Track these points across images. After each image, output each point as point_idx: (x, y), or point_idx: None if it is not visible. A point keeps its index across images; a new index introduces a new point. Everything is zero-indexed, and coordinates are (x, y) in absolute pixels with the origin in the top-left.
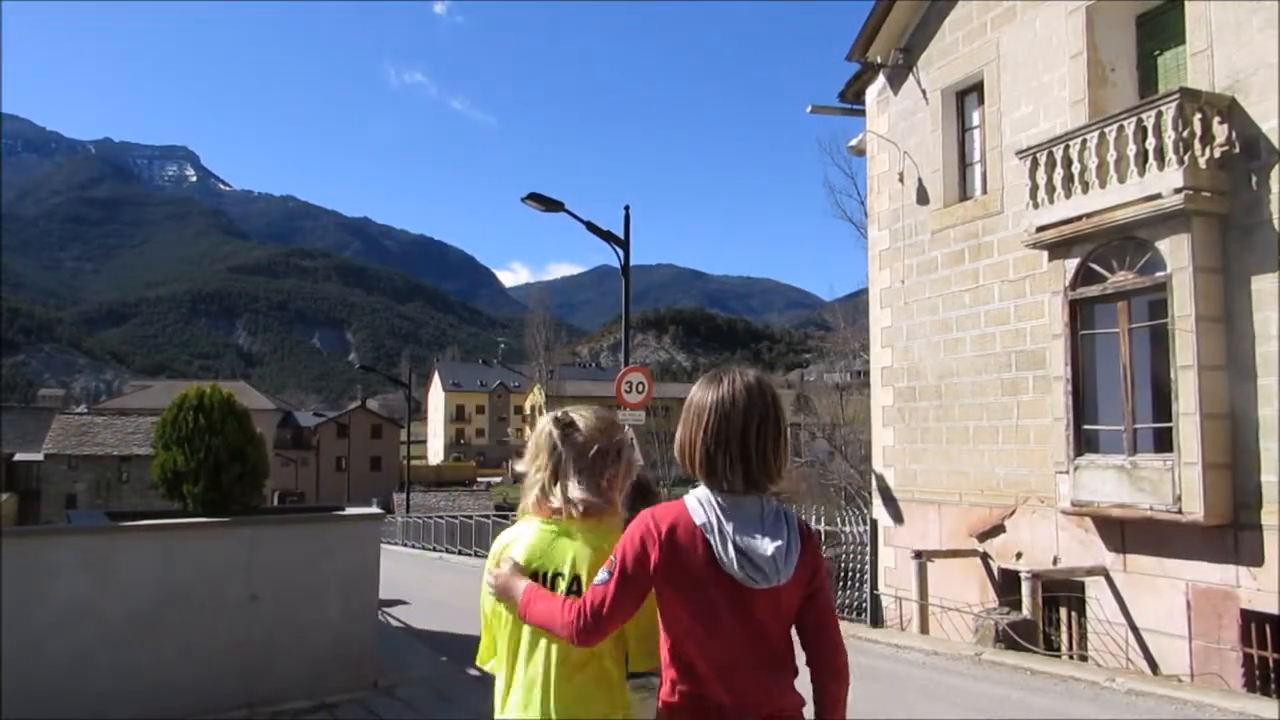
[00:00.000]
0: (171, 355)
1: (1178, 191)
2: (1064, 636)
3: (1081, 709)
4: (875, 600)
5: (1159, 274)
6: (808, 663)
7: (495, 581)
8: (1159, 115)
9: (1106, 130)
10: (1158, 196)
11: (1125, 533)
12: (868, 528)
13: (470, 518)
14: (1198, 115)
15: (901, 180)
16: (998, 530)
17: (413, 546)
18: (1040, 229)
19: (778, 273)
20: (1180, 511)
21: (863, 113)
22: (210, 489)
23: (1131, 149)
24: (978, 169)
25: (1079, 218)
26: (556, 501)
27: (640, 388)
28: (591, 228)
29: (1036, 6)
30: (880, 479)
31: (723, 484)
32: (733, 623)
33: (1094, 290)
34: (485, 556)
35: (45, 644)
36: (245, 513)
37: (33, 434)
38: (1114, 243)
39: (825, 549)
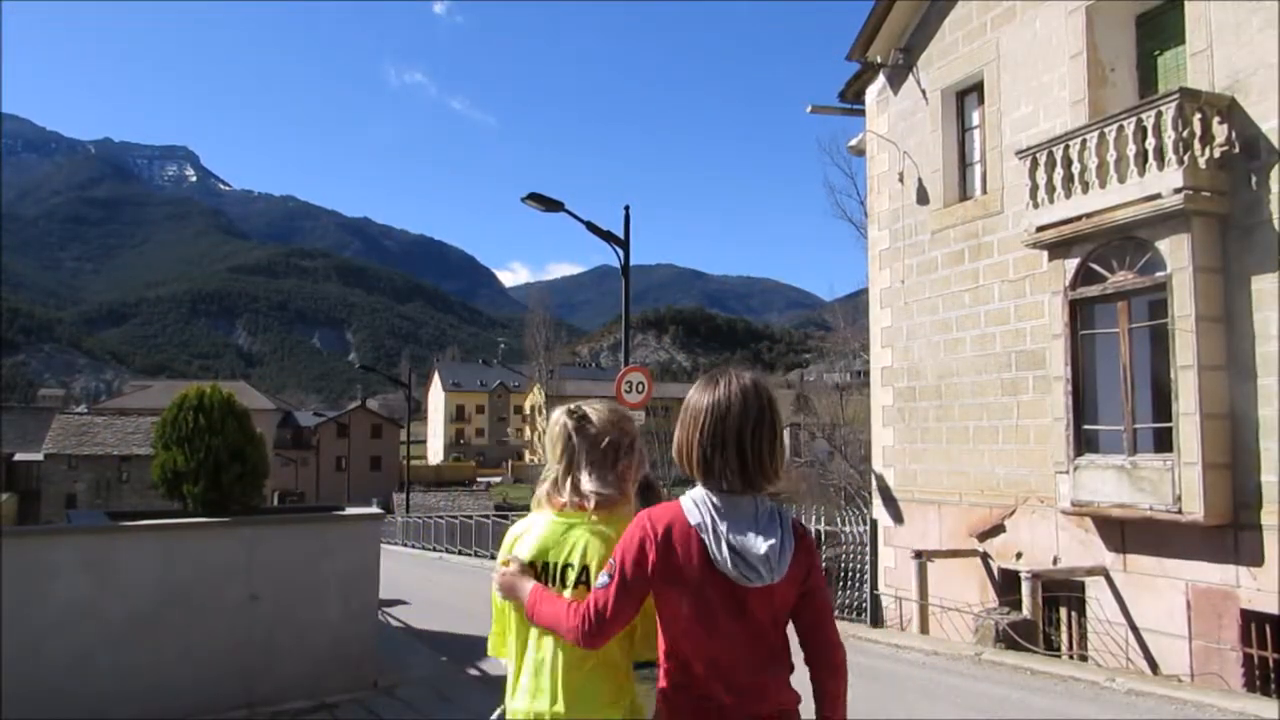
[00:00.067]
0: (171, 355)
1: (1178, 191)
2: (1064, 636)
3: (1081, 709)
4: (875, 600)
5: (1159, 274)
6: (806, 660)
7: (502, 581)
8: (1159, 115)
9: (1106, 130)
10: (1158, 196)
11: (1125, 533)
12: (867, 528)
13: (470, 518)
14: (1197, 115)
15: (901, 180)
16: (998, 530)
17: (413, 546)
18: (1040, 229)
19: (778, 273)
20: (1180, 511)
21: (863, 113)
22: (210, 489)
23: (1131, 149)
24: (978, 169)
25: (1079, 218)
26: (565, 496)
27: (640, 387)
28: (591, 228)
29: (1036, 6)
30: (880, 479)
31: (720, 484)
32: (729, 621)
33: (1094, 290)
34: (485, 556)
35: (45, 644)
36: (245, 513)
37: (33, 434)
38: (1114, 243)
39: (825, 549)
